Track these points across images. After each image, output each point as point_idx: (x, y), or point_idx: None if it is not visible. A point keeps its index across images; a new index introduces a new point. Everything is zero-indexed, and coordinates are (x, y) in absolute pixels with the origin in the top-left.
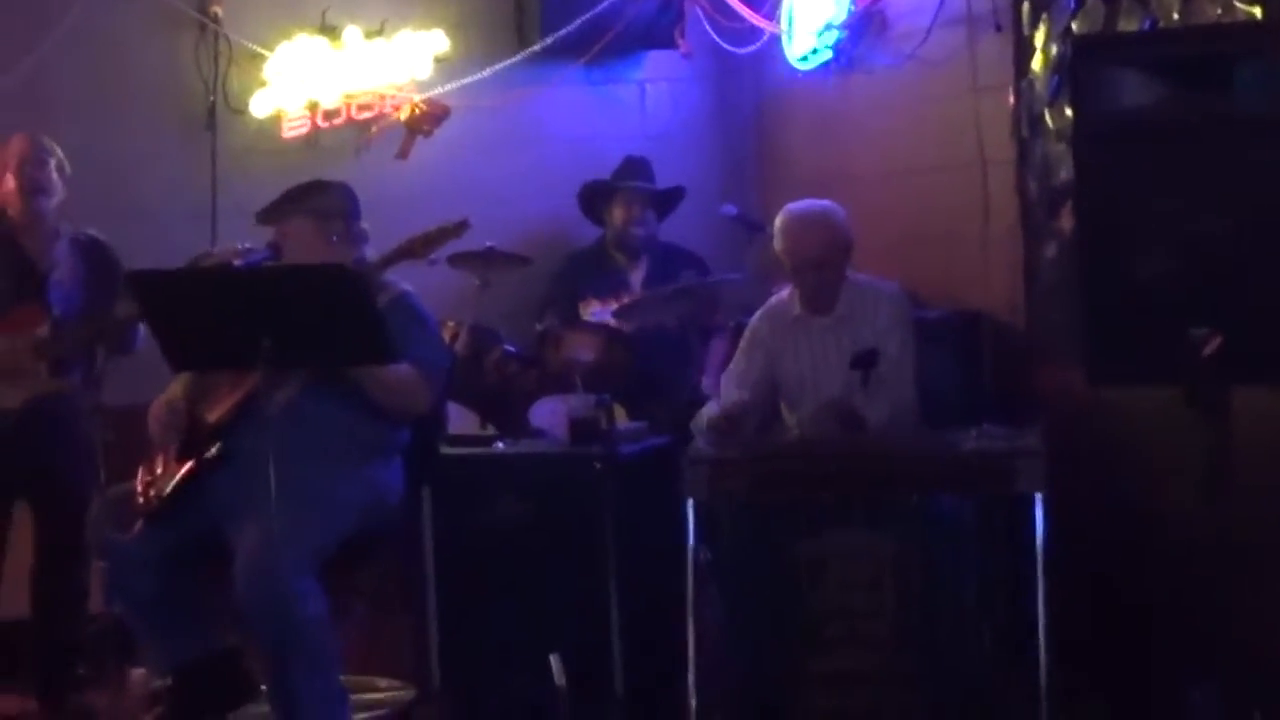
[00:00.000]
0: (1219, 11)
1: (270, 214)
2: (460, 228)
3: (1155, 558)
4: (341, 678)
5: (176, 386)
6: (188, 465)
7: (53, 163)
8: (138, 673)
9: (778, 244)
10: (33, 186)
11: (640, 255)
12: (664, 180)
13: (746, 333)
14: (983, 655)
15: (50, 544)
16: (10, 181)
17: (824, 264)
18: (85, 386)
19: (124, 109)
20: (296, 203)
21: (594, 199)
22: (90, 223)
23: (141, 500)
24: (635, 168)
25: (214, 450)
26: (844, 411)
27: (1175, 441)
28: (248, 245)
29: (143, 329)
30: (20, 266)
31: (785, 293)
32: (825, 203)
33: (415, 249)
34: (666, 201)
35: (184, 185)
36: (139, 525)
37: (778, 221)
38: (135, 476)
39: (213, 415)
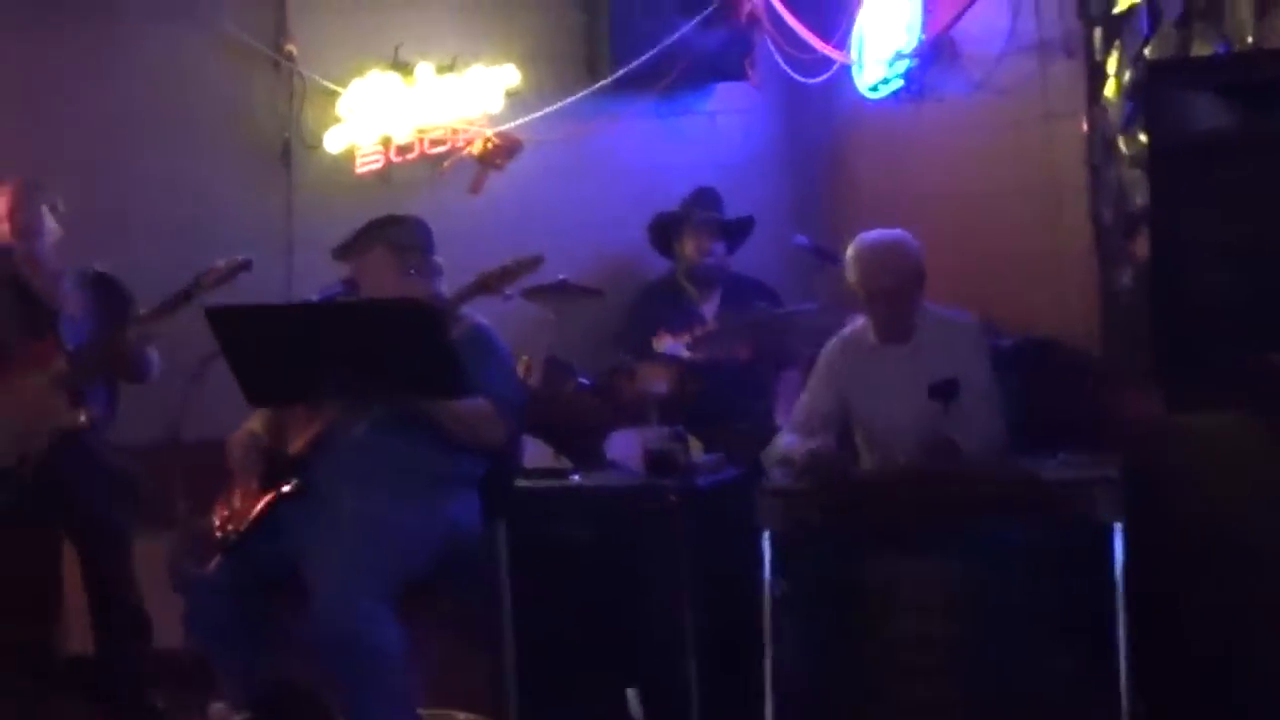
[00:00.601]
0: None
1: (348, 248)
2: (534, 262)
3: (1234, 588)
4: (419, 710)
5: (255, 420)
6: (265, 498)
7: (44, 206)
8: (216, 707)
9: (851, 274)
10: (25, 231)
11: (712, 286)
12: (735, 211)
13: (820, 362)
14: (1061, 686)
15: (96, 577)
16: (4, 226)
17: (899, 293)
18: (109, 419)
19: (200, 144)
20: (375, 234)
21: (664, 231)
22: (167, 255)
23: (219, 534)
24: (705, 198)
25: (292, 485)
26: (944, 447)
27: (1254, 469)
28: (240, 258)
29: (155, 356)
30: (31, 306)
31: (859, 322)
32: (898, 231)
33: (490, 284)
34: (737, 232)
35: (259, 220)
36: (217, 559)
37: (851, 251)
38: (213, 510)
39: (291, 448)
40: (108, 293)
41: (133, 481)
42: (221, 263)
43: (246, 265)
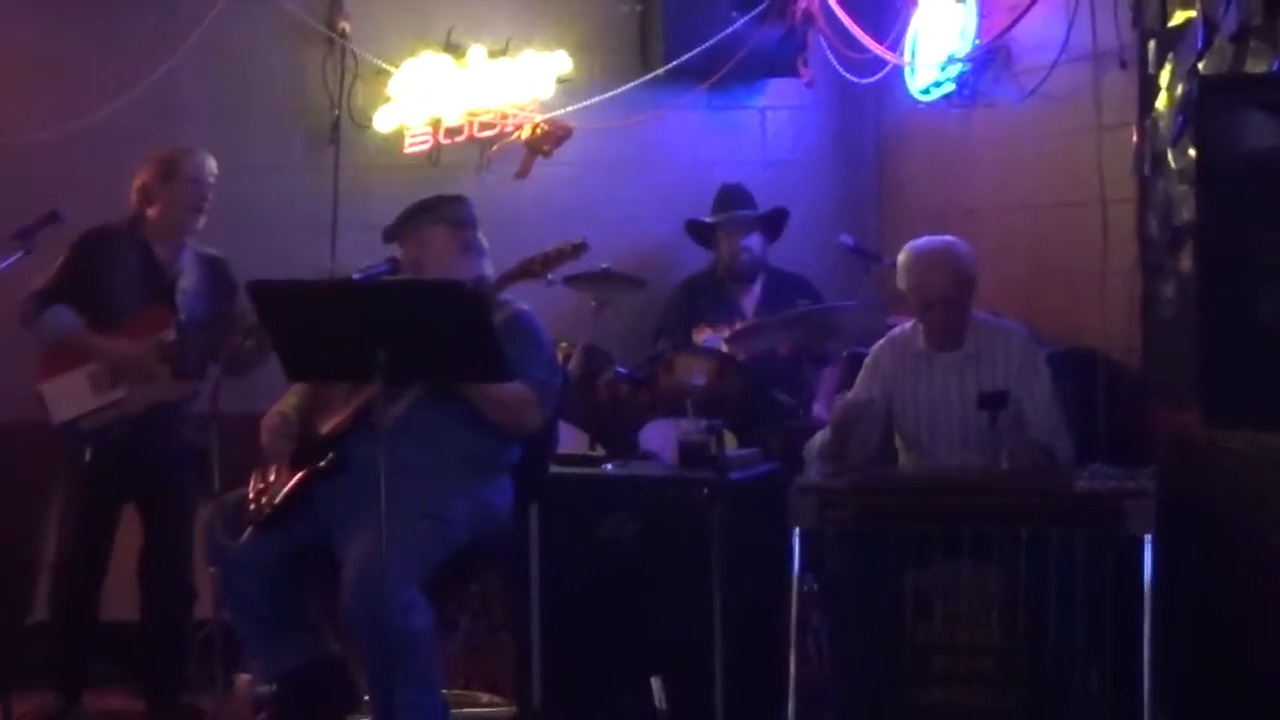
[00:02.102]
0: None
1: (400, 227)
2: (579, 249)
3: (1269, 608)
4: (444, 691)
5: (291, 397)
6: (300, 475)
7: (186, 178)
8: (244, 678)
9: (905, 280)
10: (204, 203)
11: (752, 280)
12: (771, 203)
13: (868, 360)
14: (1088, 696)
15: (157, 547)
16: (179, 190)
17: (951, 300)
18: (195, 395)
19: (251, 120)
20: (433, 211)
21: (698, 231)
22: (213, 228)
23: (253, 508)
24: (731, 196)
25: (326, 460)
26: (1036, 454)
27: None
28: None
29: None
30: (152, 272)
31: (909, 325)
32: (949, 238)
33: (534, 268)
34: (770, 223)
35: (306, 197)
36: (250, 532)
37: (902, 258)
38: (247, 484)
39: (326, 427)
40: (222, 275)
41: (204, 456)
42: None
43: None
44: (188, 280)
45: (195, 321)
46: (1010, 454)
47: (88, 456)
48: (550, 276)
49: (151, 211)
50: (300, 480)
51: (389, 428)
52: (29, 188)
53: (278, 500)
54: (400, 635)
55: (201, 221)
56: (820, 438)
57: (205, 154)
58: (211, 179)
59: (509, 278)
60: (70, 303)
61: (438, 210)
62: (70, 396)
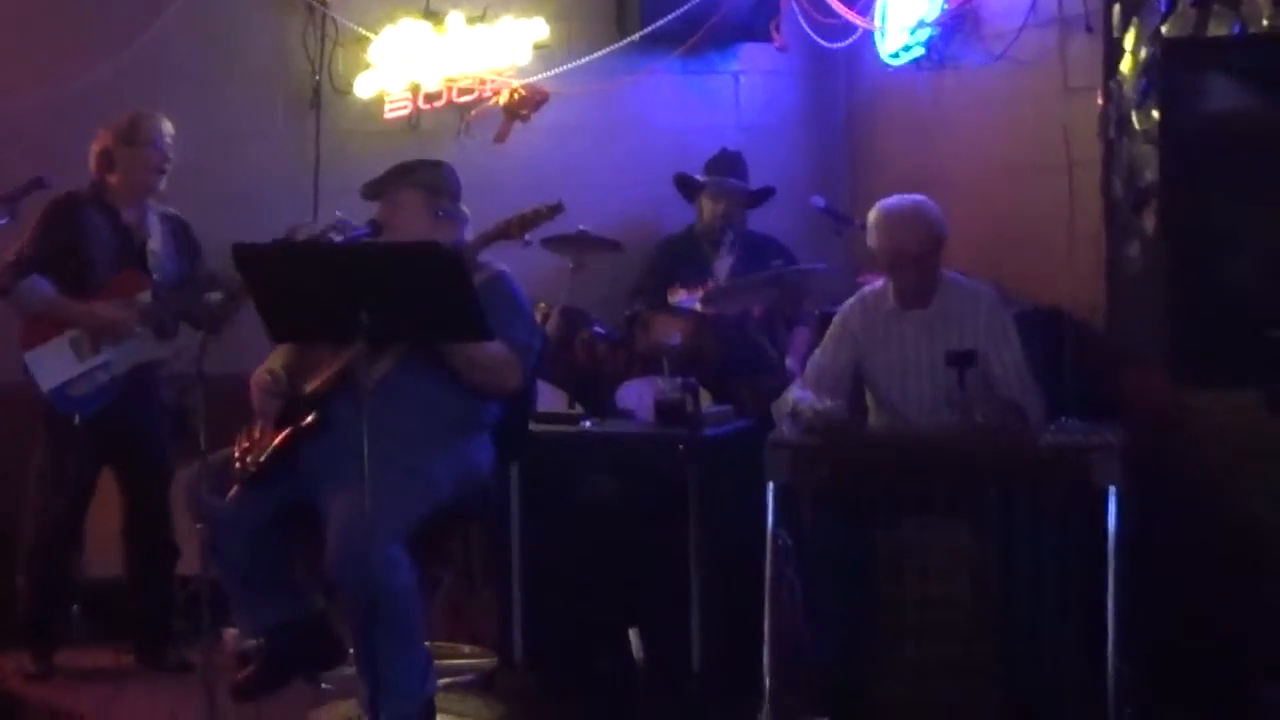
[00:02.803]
0: None
1: (379, 186)
2: (554, 210)
3: (1231, 558)
4: (428, 644)
5: (277, 357)
6: (284, 433)
7: (146, 142)
8: (230, 632)
9: (874, 239)
10: (166, 165)
11: (728, 243)
12: (755, 171)
13: (837, 319)
14: (1055, 646)
15: (139, 506)
16: (142, 155)
17: (922, 258)
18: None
19: (234, 86)
20: (407, 176)
21: (685, 185)
22: (196, 194)
23: (239, 466)
24: (728, 162)
25: (310, 419)
26: (1012, 410)
27: (1253, 444)
28: (340, 214)
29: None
30: (122, 235)
31: (879, 284)
32: (919, 197)
33: (511, 230)
34: (760, 199)
35: (288, 161)
36: (235, 490)
37: (873, 217)
38: (233, 444)
39: (310, 386)
40: (185, 235)
41: (181, 417)
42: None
43: (343, 227)
44: (156, 241)
45: (168, 281)
46: (985, 413)
47: (76, 421)
48: (528, 238)
49: (113, 177)
50: (285, 439)
51: (372, 389)
52: (13, 154)
53: (263, 459)
54: (384, 591)
55: (163, 183)
56: (791, 395)
57: (162, 117)
58: (170, 140)
59: (487, 239)
60: (45, 272)
61: (414, 175)
62: (56, 363)
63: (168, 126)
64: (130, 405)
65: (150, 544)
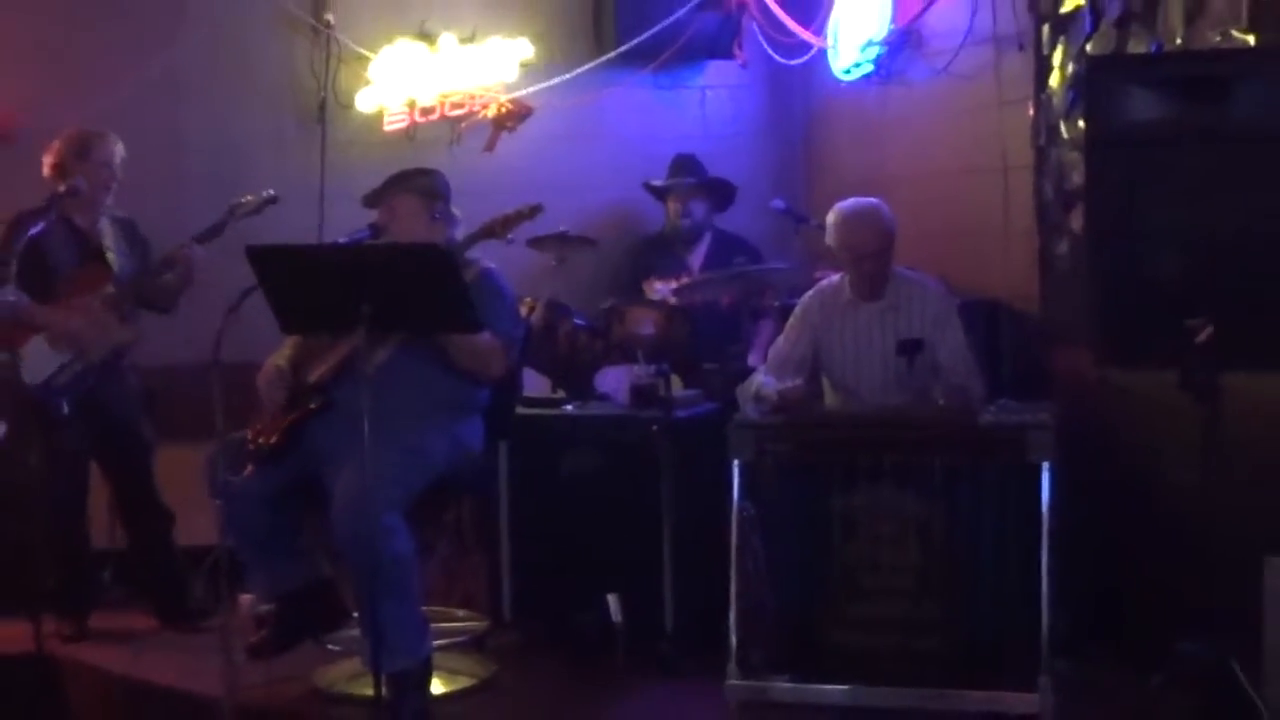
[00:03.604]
0: (1218, 37)
1: (379, 194)
2: (534, 211)
3: (1151, 522)
4: (424, 608)
5: (286, 350)
6: (292, 417)
7: (93, 156)
8: (246, 598)
9: (834, 237)
10: (113, 183)
11: (697, 241)
12: (720, 176)
13: (797, 309)
14: (994, 604)
15: (129, 480)
16: (93, 172)
17: (876, 254)
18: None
19: (247, 101)
20: (404, 182)
21: (655, 193)
22: (213, 199)
23: (252, 446)
24: (682, 165)
25: (316, 403)
26: (960, 393)
27: (1172, 419)
28: (268, 193)
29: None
30: (79, 240)
31: (836, 277)
32: (873, 200)
33: (495, 229)
34: (716, 192)
35: (297, 170)
36: (249, 468)
37: (832, 217)
38: (247, 424)
39: (314, 374)
40: (133, 233)
41: (152, 396)
42: (250, 196)
43: (273, 200)
44: (109, 240)
45: (124, 276)
46: (943, 395)
47: (65, 409)
48: (511, 237)
49: (67, 186)
50: (293, 421)
51: (372, 374)
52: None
53: (273, 440)
54: (384, 557)
55: (110, 197)
56: (755, 380)
57: (115, 139)
58: (120, 160)
59: (474, 237)
60: (15, 282)
61: (410, 182)
62: (38, 361)
63: (119, 148)
64: (106, 390)
65: (145, 515)
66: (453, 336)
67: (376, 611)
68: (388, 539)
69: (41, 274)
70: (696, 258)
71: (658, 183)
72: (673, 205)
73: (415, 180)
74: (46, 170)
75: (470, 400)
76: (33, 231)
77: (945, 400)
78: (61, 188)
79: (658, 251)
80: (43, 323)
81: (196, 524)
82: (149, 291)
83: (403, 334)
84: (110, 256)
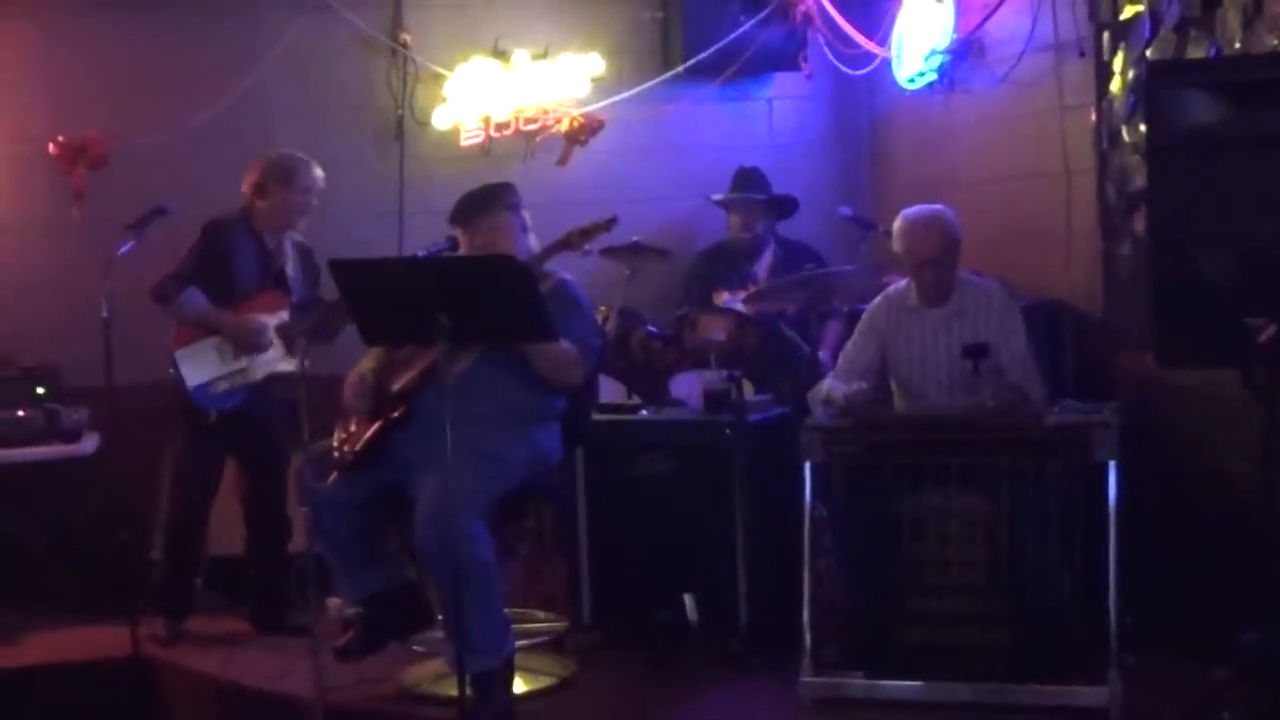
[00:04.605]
0: (1275, 41)
1: (474, 214)
2: (610, 223)
3: (1214, 519)
4: (506, 610)
5: (369, 360)
6: (376, 426)
7: (286, 179)
8: (334, 602)
9: (899, 244)
10: (310, 209)
11: (761, 252)
12: (787, 186)
13: (866, 315)
14: (1061, 600)
15: (259, 494)
16: (294, 197)
17: (941, 260)
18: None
19: (328, 121)
20: (497, 200)
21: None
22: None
23: (337, 455)
24: (746, 179)
25: (399, 412)
26: (1012, 394)
27: (1233, 418)
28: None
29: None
30: (264, 258)
31: (903, 283)
32: (938, 206)
33: (572, 241)
34: (777, 208)
35: (376, 186)
36: (335, 476)
37: (897, 224)
38: (333, 436)
39: (398, 384)
40: (310, 260)
41: (295, 408)
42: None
43: (614, 221)
44: (291, 266)
45: (302, 303)
46: (992, 394)
47: (213, 418)
48: (586, 247)
49: (262, 204)
50: (377, 430)
51: (453, 384)
52: (137, 187)
53: (358, 448)
54: (466, 561)
55: (304, 223)
56: (824, 385)
57: (315, 165)
58: (319, 186)
59: (551, 249)
60: (199, 285)
61: (501, 199)
62: (201, 364)
63: (319, 173)
64: (257, 407)
65: (269, 524)
66: (535, 345)
67: (460, 613)
68: (469, 545)
69: (224, 282)
70: (761, 267)
71: (718, 197)
72: (734, 219)
73: (504, 196)
74: (245, 187)
75: (548, 409)
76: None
77: (997, 401)
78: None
79: (723, 262)
80: (226, 326)
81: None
82: (316, 324)
83: (481, 344)
84: (290, 281)
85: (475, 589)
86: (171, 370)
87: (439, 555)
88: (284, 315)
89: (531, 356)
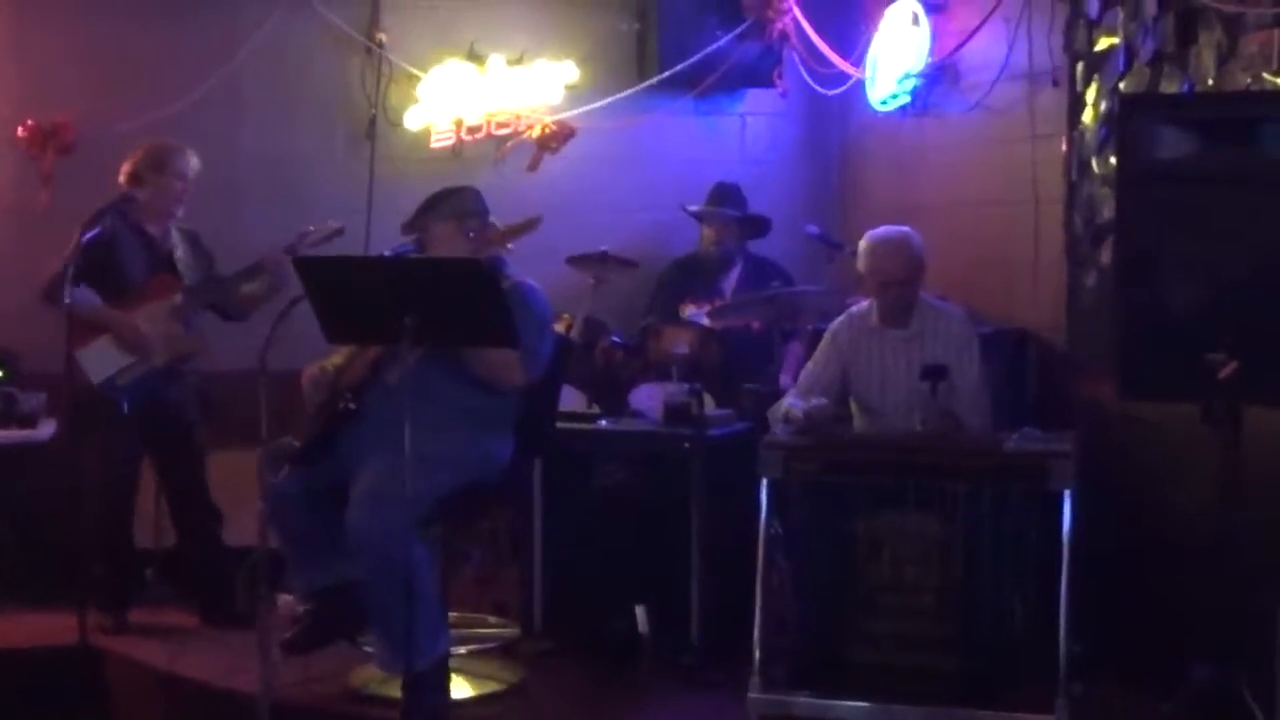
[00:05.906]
0: (1249, 80)
1: (414, 224)
2: (533, 223)
3: (1168, 552)
4: (455, 614)
5: (336, 358)
6: (322, 418)
7: (167, 166)
8: (285, 598)
9: (864, 264)
10: (186, 196)
11: (729, 267)
12: (757, 202)
13: (827, 334)
14: (1013, 627)
15: (180, 485)
16: (170, 184)
17: (905, 282)
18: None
19: (300, 117)
20: (436, 208)
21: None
22: (266, 211)
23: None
24: (723, 193)
25: (343, 405)
26: (949, 418)
27: (1192, 452)
28: (335, 225)
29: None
30: (151, 247)
31: (865, 303)
32: (905, 228)
33: (494, 239)
34: (752, 225)
35: (346, 185)
36: (286, 468)
37: (863, 244)
38: (290, 433)
39: (345, 379)
40: (198, 244)
41: (207, 398)
42: (316, 226)
43: (339, 232)
44: (179, 251)
45: (194, 285)
46: (923, 419)
47: (125, 409)
48: (510, 246)
49: (140, 195)
50: (323, 422)
51: (396, 383)
52: (107, 171)
53: (304, 440)
54: (393, 557)
55: (182, 210)
56: (785, 402)
57: (190, 153)
58: (194, 174)
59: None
60: (88, 281)
61: (441, 207)
62: (103, 360)
63: (194, 162)
64: (165, 392)
65: (195, 513)
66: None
67: (390, 611)
68: (397, 542)
69: (112, 277)
70: (729, 282)
71: (695, 208)
72: (707, 232)
73: (445, 204)
74: (122, 177)
75: (497, 412)
76: (96, 236)
77: (926, 425)
78: (137, 194)
79: (691, 274)
80: (114, 324)
81: (248, 527)
82: (216, 299)
83: (445, 346)
84: (180, 265)
85: (403, 585)
86: (77, 371)
87: (365, 549)
88: (178, 300)
89: (469, 357)
